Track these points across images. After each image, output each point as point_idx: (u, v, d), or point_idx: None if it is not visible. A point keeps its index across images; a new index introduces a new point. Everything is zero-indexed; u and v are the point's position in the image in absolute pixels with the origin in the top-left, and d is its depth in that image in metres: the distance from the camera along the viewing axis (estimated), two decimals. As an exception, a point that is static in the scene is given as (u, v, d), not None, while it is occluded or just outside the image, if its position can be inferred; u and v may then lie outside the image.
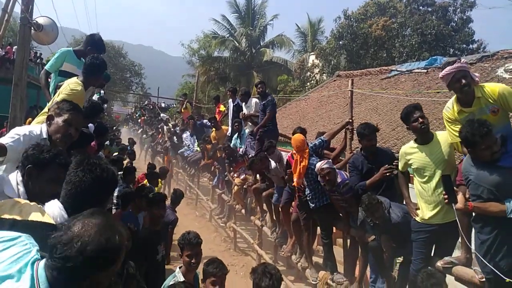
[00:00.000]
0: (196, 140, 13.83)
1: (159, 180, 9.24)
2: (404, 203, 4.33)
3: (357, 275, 5.17)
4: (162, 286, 3.70)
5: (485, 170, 3.17)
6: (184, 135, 14.97)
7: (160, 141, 19.57)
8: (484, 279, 3.32)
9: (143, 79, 56.56)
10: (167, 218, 6.05)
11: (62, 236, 1.28)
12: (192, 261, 3.72)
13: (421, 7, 24.19)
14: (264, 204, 7.98)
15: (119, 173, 6.98)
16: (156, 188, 8.10)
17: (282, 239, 7.26)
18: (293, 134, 6.40)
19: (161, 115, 25.53)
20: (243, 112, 9.40)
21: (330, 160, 5.43)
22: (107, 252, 1.27)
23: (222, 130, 11.82)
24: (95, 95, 9.76)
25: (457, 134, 3.42)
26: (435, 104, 9.31)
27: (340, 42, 23.34)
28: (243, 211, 9.35)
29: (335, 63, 23.49)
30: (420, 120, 3.90)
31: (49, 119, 2.89)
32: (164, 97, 42.28)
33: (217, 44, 31.71)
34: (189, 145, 14.45)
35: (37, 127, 2.92)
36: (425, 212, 3.96)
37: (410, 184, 4.34)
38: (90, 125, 4.74)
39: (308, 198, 5.61)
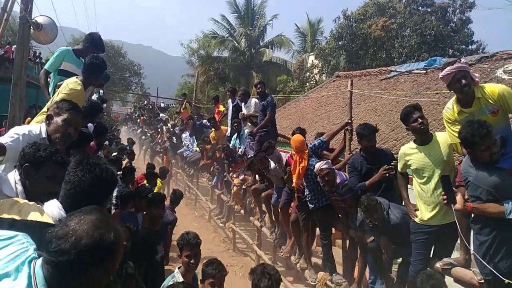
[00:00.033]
0: (195, 140, 13.82)
1: (159, 180, 9.24)
2: (403, 204, 4.33)
3: (356, 276, 5.17)
4: (161, 286, 3.70)
5: (484, 171, 3.17)
6: (184, 135, 14.97)
7: (159, 141, 19.57)
8: (483, 280, 3.32)
9: (142, 78, 56.55)
10: (166, 218, 6.04)
11: (58, 231, 1.29)
12: (191, 261, 3.71)
13: (420, 8, 24.19)
14: (263, 205, 7.97)
15: (118, 173, 6.97)
16: (156, 188, 8.11)
17: (281, 239, 7.26)
18: (292, 134, 6.40)
19: (161, 115, 25.57)
20: (243, 112, 9.39)
21: (329, 160, 5.42)
22: (100, 247, 1.27)
23: (221, 131, 11.82)
24: (94, 94, 9.75)
25: (457, 135, 3.43)
26: (434, 105, 9.32)
27: (340, 43, 23.35)
28: (242, 211, 9.34)
29: (334, 63, 23.51)
30: (420, 120, 3.90)
31: (49, 118, 2.89)
32: (163, 97, 42.28)
33: (217, 44, 31.73)
34: (188, 145, 14.45)
35: (37, 126, 2.91)
36: (424, 213, 3.96)
37: (409, 185, 4.34)
38: (90, 125, 4.73)
39: (307, 199, 5.60)
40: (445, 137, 3.89)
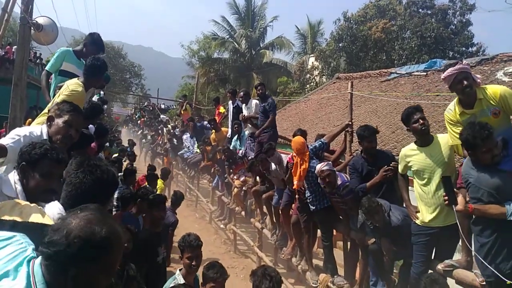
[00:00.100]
0: (196, 142, 13.83)
1: (161, 181, 9.24)
2: (404, 206, 4.33)
3: (358, 278, 5.16)
4: (162, 288, 3.69)
5: (485, 173, 3.17)
6: (184, 137, 14.98)
7: (160, 142, 19.58)
8: (484, 282, 3.31)
9: (142, 80, 56.54)
10: (168, 220, 6.04)
11: (55, 225, 1.34)
12: (193, 263, 3.71)
13: (420, 10, 24.20)
14: (264, 206, 7.96)
15: (119, 174, 6.97)
16: (158, 190, 8.10)
17: (282, 241, 7.24)
18: (293, 136, 6.39)
19: (161, 116, 25.57)
20: (243, 114, 9.39)
21: (330, 162, 5.42)
22: (91, 241, 1.26)
23: (222, 132, 11.82)
24: (95, 96, 9.76)
25: (458, 136, 3.42)
26: (434, 107, 9.33)
27: (340, 44, 23.37)
28: (243, 213, 9.33)
29: (334, 65, 23.51)
30: (421, 121, 3.89)
31: (50, 120, 2.90)
32: (164, 98, 42.24)
33: (217, 46, 31.75)
34: (189, 146, 14.45)
35: (38, 128, 2.92)
36: (425, 215, 3.95)
37: (410, 187, 4.33)
38: (90, 126, 4.73)
39: (308, 201, 5.59)
40: (446, 139, 3.89)
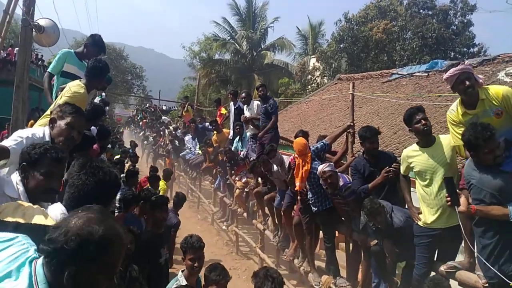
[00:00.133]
0: (197, 143, 13.84)
1: (164, 182, 9.24)
2: (406, 207, 4.32)
3: (360, 279, 5.15)
4: (165, 289, 3.69)
5: (487, 174, 3.16)
6: (186, 138, 14.99)
7: (162, 144, 19.59)
8: (487, 284, 3.30)
9: (144, 81, 56.55)
10: (170, 221, 6.04)
11: (56, 224, 1.36)
12: (195, 265, 3.71)
13: (421, 11, 24.23)
14: (266, 208, 7.95)
15: (121, 176, 6.98)
16: (161, 191, 8.10)
17: (284, 243, 7.23)
18: (295, 137, 6.39)
19: (163, 117, 25.59)
20: (244, 115, 9.39)
21: (332, 163, 5.41)
22: (89, 239, 1.27)
23: (224, 133, 11.81)
24: (97, 97, 9.77)
25: (460, 137, 3.41)
26: (436, 107, 9.31)
27: (341, 45, 23.38)
28: (245, 214, 9.32)
29: (336, 66, 23.51)
30: (423, 122, 3.88)
31: (52, 122, 2.90)
32: (165, 99, 42.30)
33: (218, 47, 31.79)
34: (190, 148, 14.47)
35: (40, 129, 2.92)
36: (427, 216, 3.94)
37: (412, 188, 4.32)
38: (92, 128, 4.74)
39: (310, 202, 5.59)
40: (448, 140, 3.88)
